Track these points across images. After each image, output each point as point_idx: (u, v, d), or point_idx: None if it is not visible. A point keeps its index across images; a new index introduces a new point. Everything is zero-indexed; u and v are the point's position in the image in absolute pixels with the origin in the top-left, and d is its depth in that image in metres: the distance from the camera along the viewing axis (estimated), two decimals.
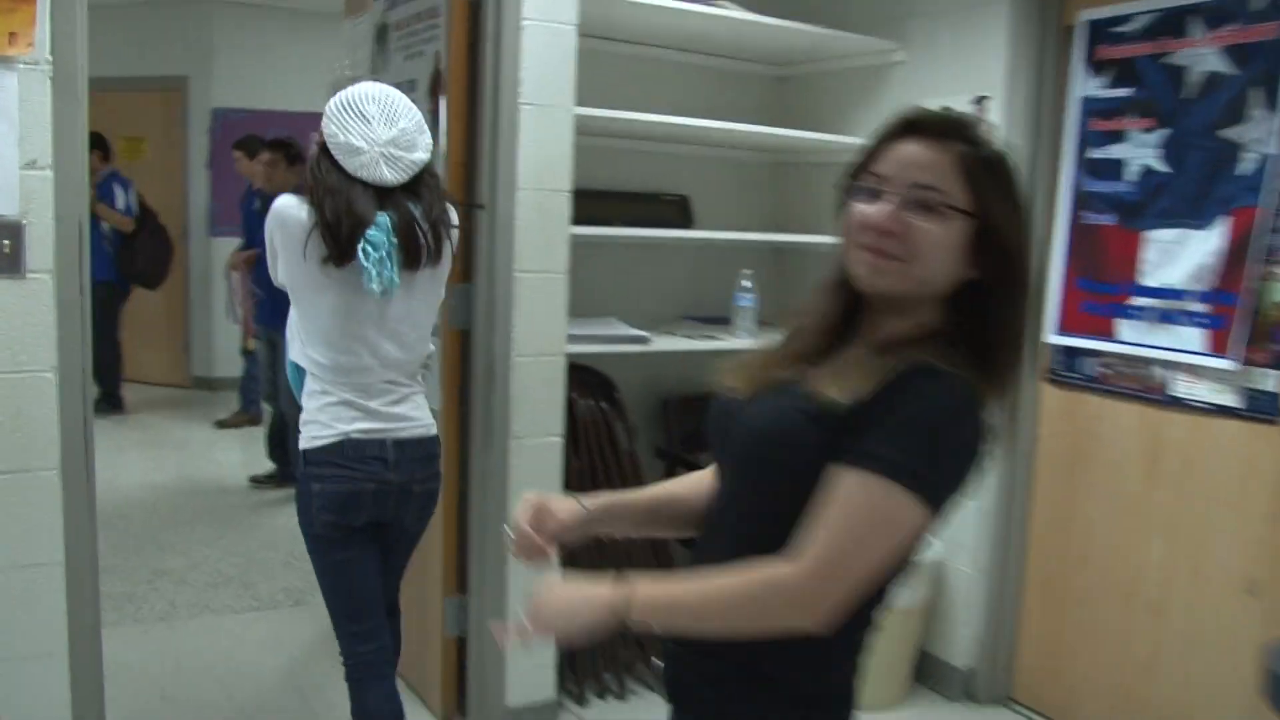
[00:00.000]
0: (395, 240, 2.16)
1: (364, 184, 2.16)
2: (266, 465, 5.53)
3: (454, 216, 2.36)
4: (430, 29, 2.89)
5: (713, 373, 1.38)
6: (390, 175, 2.17)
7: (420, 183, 2.24)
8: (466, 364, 2.92)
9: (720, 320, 3.57)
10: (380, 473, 2.25)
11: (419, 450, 2.33)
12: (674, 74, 3.66)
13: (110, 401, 6.90)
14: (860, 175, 1.26)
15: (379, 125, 2.15)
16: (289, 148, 5.21)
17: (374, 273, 2.13)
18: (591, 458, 3.21)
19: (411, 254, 2.19)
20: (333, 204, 2.13)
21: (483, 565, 2.94)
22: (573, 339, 2.96)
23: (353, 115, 2.15)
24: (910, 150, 1.22)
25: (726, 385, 1.35)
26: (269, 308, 5.17)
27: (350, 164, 2.15)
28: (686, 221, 3.66)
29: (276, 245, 2.24)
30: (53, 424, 2.32)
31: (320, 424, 2.25)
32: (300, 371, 2.32)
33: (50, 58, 2.23)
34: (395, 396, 2.29)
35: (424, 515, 2.43)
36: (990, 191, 1.21)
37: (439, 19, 2.83)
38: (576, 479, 3.12)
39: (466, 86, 2.80)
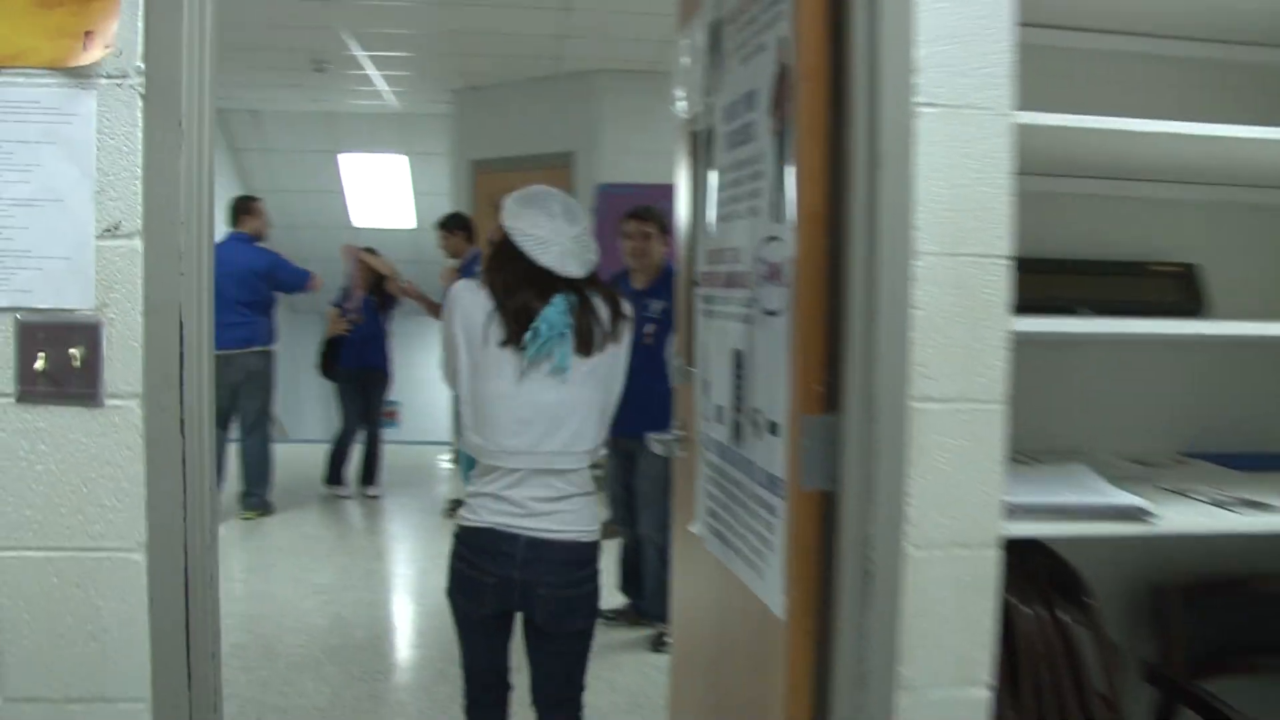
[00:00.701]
0: (572, 321, 2.26)
1: (549, 273, 2.25)
2: (618, 598, 4.60)
3: (627, 307, 2.42)
4: (772, 7, 1.82)
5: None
6: (576, 269, 2.29)
7: (593, 279, 2.35)
8: (828, 551, 1.72)
9: (1256, 460, 2.15)
10: (504, 569, 2.28)
11: (554, 554, 2.29)
12: (1148, 75, 2.25)
13: (452, 502, 6.39)
14: None
15: (563, 222, 2.29)
16: (661, 218, 4.48)
17: (545, 351, 2.21)
18: (1040, 705, 1.88)
19: (585, 337, 2.28)
20: (523, 291, 2.25)
21: None
22: (1014, 513, 1.70)
23: (541, 211, 2.29)
24: None
25: None
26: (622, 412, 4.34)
27: (543, 257, 2.25)
28: (1194, 305, 2.27)
29: (455, 330, 2.30)
30: (141, 632, 1.46)
31: (470, 508, 2.33)
32: (470, 463, 2.42)
33: (142, 65, 1.41)
34: (550, 494, 2.29)
35: (558, 617, 2.33)
36: None
37: None
38: None
39: (826, 81, 1.66)
